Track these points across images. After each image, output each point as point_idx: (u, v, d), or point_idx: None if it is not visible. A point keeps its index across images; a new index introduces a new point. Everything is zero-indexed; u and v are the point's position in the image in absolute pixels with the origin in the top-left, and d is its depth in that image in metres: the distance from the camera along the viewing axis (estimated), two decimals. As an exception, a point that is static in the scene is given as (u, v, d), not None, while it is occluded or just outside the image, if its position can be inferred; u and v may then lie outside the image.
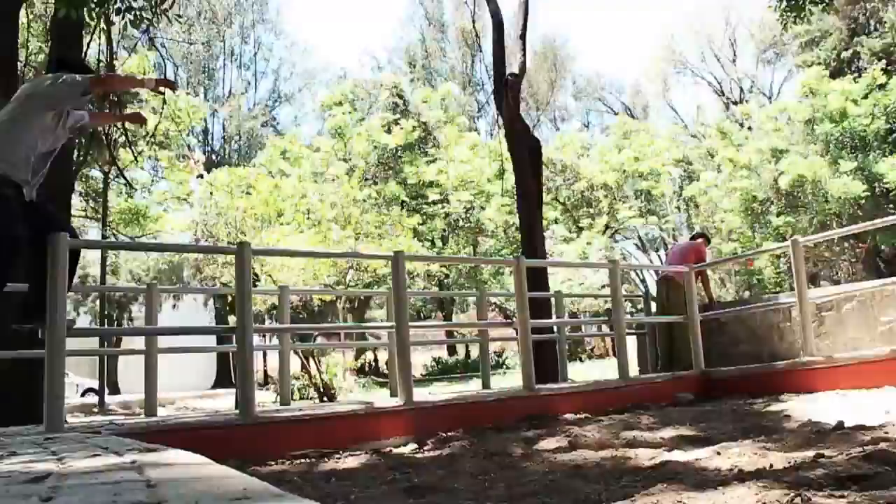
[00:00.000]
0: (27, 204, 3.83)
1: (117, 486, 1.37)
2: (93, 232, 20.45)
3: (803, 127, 21.36)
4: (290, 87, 38.98)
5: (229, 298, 18.85)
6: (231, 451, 3.97)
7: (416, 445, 4.55)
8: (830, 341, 7.05)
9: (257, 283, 12.31)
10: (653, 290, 9.16)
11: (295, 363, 9.71)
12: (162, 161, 18.55)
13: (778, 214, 20.97)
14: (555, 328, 8.46)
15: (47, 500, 1.26)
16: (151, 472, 1.52)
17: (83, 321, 24.76)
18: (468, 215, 24.54)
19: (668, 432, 4.11)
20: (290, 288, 8.91)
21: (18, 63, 9.59)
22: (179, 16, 9.61)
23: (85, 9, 6.77)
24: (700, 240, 8.57)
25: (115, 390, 23.30)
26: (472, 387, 12.57)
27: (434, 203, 24.36)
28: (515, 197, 12.35)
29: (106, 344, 14.74)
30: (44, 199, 4.16)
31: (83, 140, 9.82)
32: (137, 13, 6.95)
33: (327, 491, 2.93)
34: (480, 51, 32.86)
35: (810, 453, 2.90)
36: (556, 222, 26.37)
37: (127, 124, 9.82)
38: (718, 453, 3.12)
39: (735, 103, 33.30)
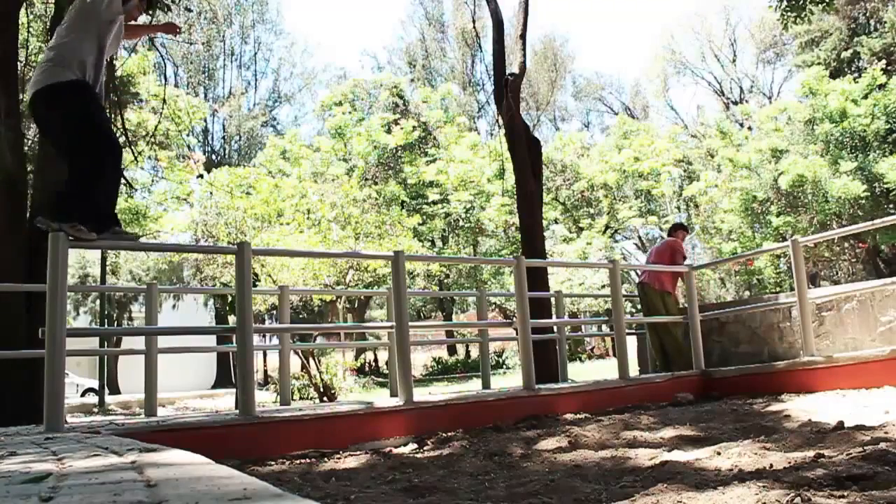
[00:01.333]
0: None
1: (117, 486, 1.37)
2: (93, 232, 20.41)
3: (803, 127, 21.36)
4: (290, 87, 39.02)
5: (229, 298, 18.86)
6: (231, 451, 3.97)
7: (416, 445, 4.55)
8: (830, 341, 7.05)
9: (257, 283, 12.31)
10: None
11: (295, 363, 9.72)
12: (162, 161, 18.55)
13: (778, 214, 20.98)
14: (555, 328, 8.46)
15: (47, 500, 1.26)
16: (151, 472, 1.52)
17: (83, 321, 24.77)
18: (468, 215, 24.54)
19: (668, 432, 4.11)
20: (290, 288, 8.91)
21: (18, 63, 9.59)
22: (189, 8, 9.57)
23: None
24: (678, 233, 8.32)
25: (115, 390, 23.29)
26: (472, 387, 12.57)
27: (434, 203, 24.36)
28: (515, 197, 12.35)
29: (106, 344, 14.74)
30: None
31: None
32: None
33: (327, 491, 2.93)
34: (480, 51, 32.89)
35: (810, 453, 2.90)
36: (556, 222, 26.39)
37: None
38: (718, 453, 3.12)
39: (735, 103, 33.32)
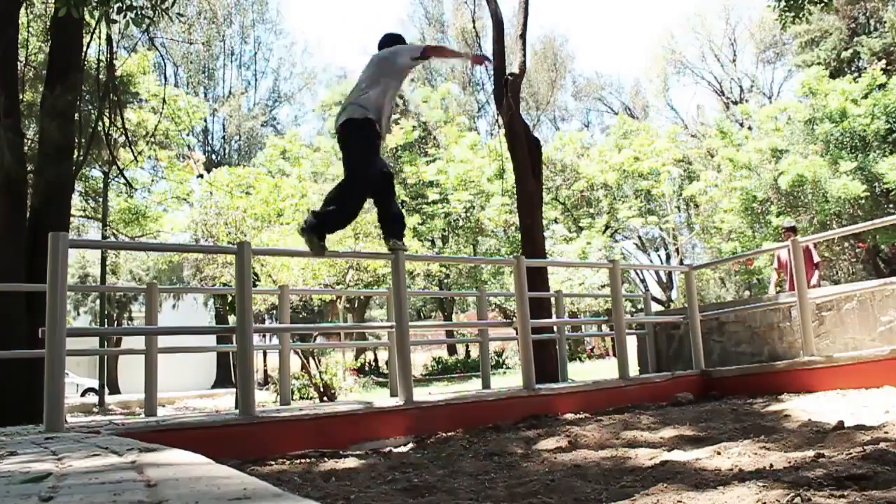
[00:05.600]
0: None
1: (117, 486, 1.37)
2: (93, 232, 20.45)
3: (803, 127, 21.33)
4: (290, 86, 39.05)
5: (229, 298, 18.82)
6: (231, 451, 3.96)
7: (416, 445, 4.55)
8: (830, 341, 7.05)
9: (257, 283, 12.32)
10: (653, 290, 9.12)
11: (295, 363, 9.71)
12: (162, 161, 18.54)
13: (778, 214, 20.94)
14: (555, 328, 8.45)
15: (47, 500, 1.26)
16: (151, 472, 1.52)
17: (83, 321, 24.77)
18: (468, 215, 24.51)
19: (668, 432, 4.11)
20: (290, 288, 8.90)
21: (18, 63, 9.59)
22: (181, 14, 9.56)
23: (86, 8, 6.74)
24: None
25: (115, 390, 23.29)
26: (472, 387, 12.56)
27: (434, 203, 24.34)
28: (515, 197, 12.34)
29: (106, 344, 14.73)
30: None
31: (83, 140, 9.81)
32: (139, 11, 6.92)
33: (327, 491, 2.93)
34: (480, 51, 32.83)
35: (810, 453, 2.89)
36: (556, 222, 26.35)
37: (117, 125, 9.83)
38: (718, 453, 3.12)
39: (735, 103, 33.29)
